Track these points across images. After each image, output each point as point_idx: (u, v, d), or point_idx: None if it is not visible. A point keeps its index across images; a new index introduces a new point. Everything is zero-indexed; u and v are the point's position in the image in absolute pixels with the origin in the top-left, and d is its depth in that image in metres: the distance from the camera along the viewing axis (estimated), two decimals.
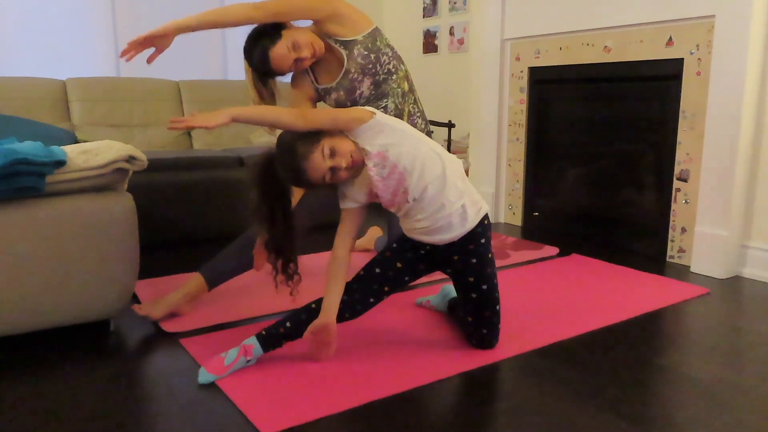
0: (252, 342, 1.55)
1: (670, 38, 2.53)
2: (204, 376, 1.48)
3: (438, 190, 1.51)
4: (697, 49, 2.45)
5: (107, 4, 3.57)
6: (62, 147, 1.68)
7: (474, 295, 1.61)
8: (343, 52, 1.93)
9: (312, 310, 1.57)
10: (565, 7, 2.94)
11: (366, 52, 1.92)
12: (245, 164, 2.98)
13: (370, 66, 1.93)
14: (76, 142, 2.08)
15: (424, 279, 2.23)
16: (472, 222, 1.56)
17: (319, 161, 1.46)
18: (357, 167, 1.51)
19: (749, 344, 1.76)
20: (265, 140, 3.52)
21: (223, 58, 4.03)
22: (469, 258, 1.59)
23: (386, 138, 1.51)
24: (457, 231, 1.55)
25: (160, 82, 3.56)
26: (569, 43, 2.95)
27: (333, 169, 1.47)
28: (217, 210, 2.86)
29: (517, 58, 3.25)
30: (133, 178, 1.84)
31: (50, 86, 3.25)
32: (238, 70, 4.08)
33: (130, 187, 1.82)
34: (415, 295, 2.08)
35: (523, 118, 3.28)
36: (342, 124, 1.51)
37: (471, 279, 1.60)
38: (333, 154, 1.46)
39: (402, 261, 1.62)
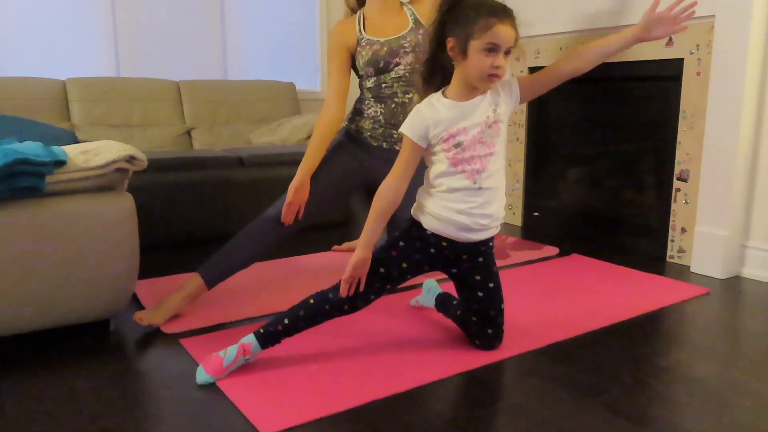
0: (250, 340, 1.55)
1: (670, 38, 2.53)
2: (202, 376, 1.48)
3: (496, 199, 1.54)
4: (697, 49, 2.45)
5: (107, 4, 3.56)
6: (62, 147, 1.69)
7: (481, 294, 1.61)
8: (410, 22, 2.02)
9: (309, 306, 1.57)
10: (565, 7, 2.94)
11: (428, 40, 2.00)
12: (245, 164, 2.99)
13: (421, 54, 1.95)
14: (76, 142, 2.08)
15: (419, 279, 2.24)
16: (494, 231, 1.60)
17: (507, 31, 1.43)
18: (492, 81, 1.46)
19: (749, 344, 1.76)
20: (265, 140, 3.53)
21: (223, 58, 4.03)
22: (476, 257, 1.60)
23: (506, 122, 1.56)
24: (483, 236, 1.57)
25: (160, 82, 3.56)
26: (569, 43, 2.95)
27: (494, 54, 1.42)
28: (217, 210, 2.86)
29: (517, 58, 3.24)
30: (133, 178, 1.84)
31: (50, 86, 3.25)
32: (238, 70, 4.08)
33: (130, 187, 1.82)
34: (411, 296, 2.08)
35: (523, 118, 3.28)
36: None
37: (478, 277, 1.61)
38: (507, 53, 1.44)
39: (408, 262, 1.60)
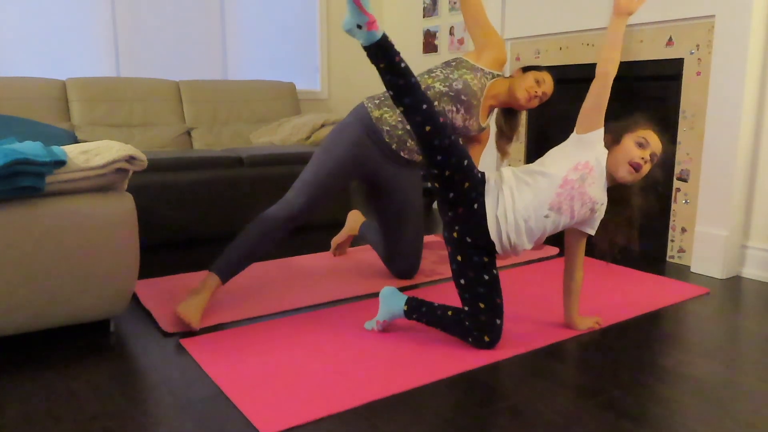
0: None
1: (670, 38, 2.54)
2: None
3: (535, 240, 1.74)
4: (697, 49, 2.45)
5: (107, 4, 3.57)
6: (62, 147, 1.69)
7: (487, 278, 1.65)
8: (484, 124, 2.30)
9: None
10: (565, 7, 2.94)
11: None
12: (245, 164, 2.99)
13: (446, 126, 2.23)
14: (76, 142, 2.08)
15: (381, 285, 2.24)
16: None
17: (657, 140, 1.67)
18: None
19: (749, 344, 1.76)
20: (265, 140, 3.53)
21: (223, 58, 4.03)
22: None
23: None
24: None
25: (160, 82, 3.56)
26: (569, 43, 2.96)
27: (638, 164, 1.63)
28: (217, 210, 2.86)
29: (517, 58, 3.25)
30: (133, 178, 1.85)
31: (50, 86, 3.25)
32: (238, 70, 4.08)
33: (130, 187, 1.82)
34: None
35: (523, 118, 3.27)
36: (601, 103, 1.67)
37: (486, 259, 1.66)
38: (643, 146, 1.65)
39: (458, 181, 1.66)
